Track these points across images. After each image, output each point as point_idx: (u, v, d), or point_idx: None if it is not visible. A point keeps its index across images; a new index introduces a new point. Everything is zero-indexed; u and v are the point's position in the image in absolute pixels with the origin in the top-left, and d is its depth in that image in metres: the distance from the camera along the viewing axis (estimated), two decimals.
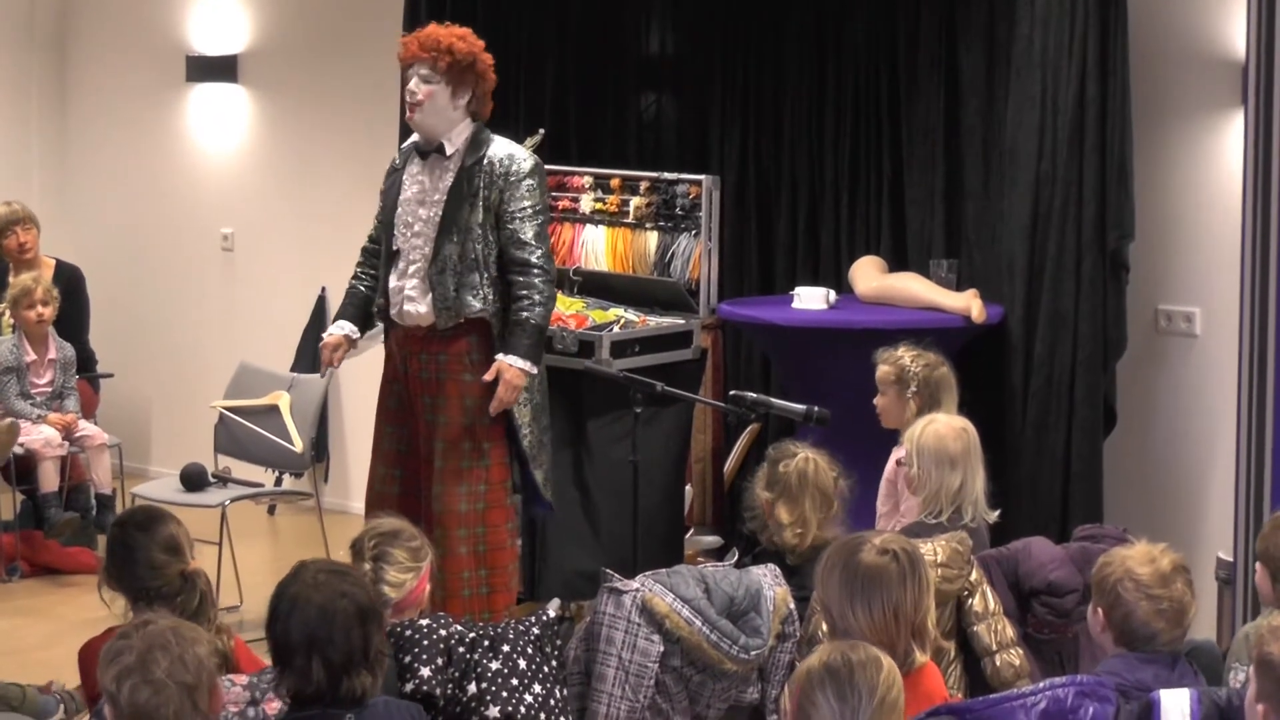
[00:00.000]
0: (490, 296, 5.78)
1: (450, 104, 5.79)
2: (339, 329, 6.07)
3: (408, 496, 5.91)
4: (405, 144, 6.05)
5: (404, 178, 5.90)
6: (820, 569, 4.02)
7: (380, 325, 6.11)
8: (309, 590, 3.62)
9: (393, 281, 5.88)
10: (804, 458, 5.08)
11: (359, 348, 6.24)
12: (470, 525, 5.80)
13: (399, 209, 5.87)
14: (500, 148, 5.84)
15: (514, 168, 5.78)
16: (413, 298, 5.82)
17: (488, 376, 5.73)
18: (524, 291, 5.74)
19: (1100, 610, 4.03)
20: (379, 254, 6.02)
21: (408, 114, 5.84)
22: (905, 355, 5.72)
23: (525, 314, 5.73)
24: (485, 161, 5.77)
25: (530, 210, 5.77)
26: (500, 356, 5.73)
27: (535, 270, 5.74)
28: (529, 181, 5.79)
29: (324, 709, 3.59)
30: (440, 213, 5.77)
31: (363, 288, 6.09)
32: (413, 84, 5.75)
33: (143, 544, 4.28)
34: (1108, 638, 4.02)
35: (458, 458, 5.79)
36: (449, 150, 5.80)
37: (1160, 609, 3.95)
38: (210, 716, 3.43)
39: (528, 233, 5.75)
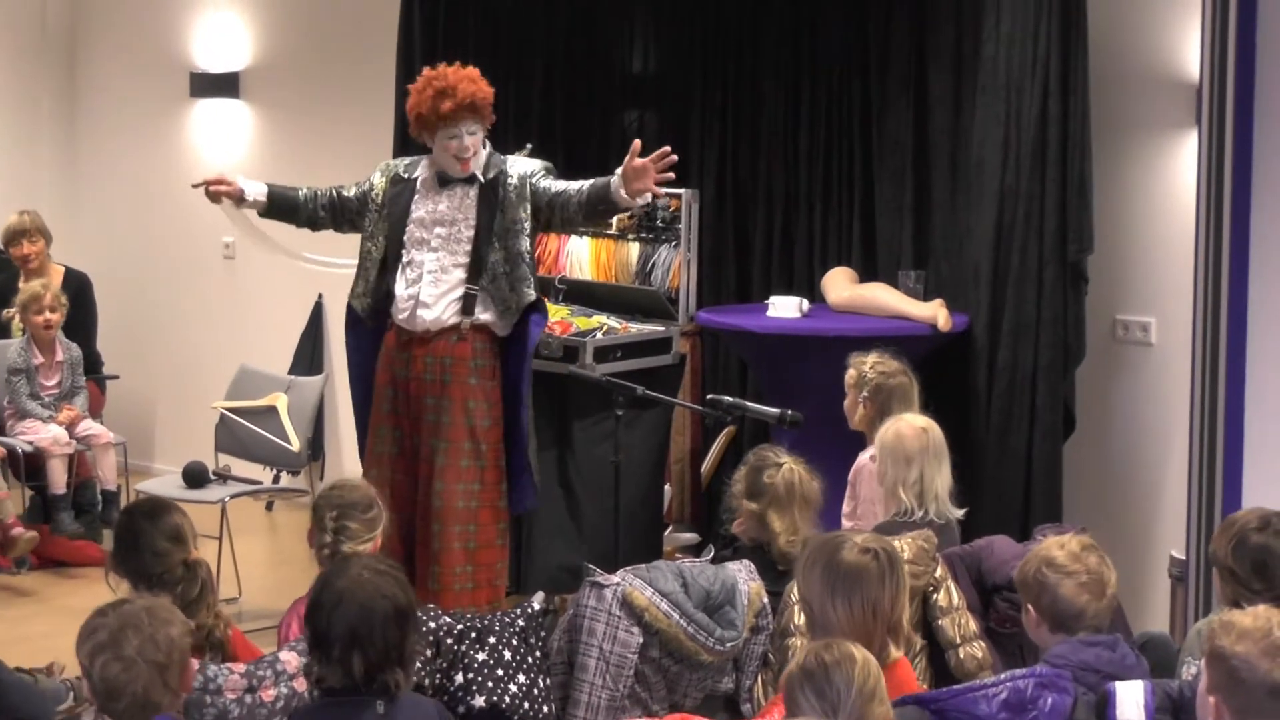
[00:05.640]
0: (534, 283, 5.94)
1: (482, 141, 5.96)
2: (248, 184, 6.15)
3: (399, 498, 5.92)
4: (416, 161, 6.07)
5: (415, 195, 5.97)
6: (801, 565, 4.06)
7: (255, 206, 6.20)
8: (354, 587, 3.67)
9: (400, 289, 5.91)
10: (789, 468, 5.09)
11: (240, 207, 6.24)
12: (464, 522, 5.85)
13: (409, 226, 5.94)
14: (510, 159, 6.00)
15: (527, 168, 5.92)
16: (426, 304, 5.87)
17: (640, 200, 5.88)
18: (570, 184, 5.91)
19: (1030, 607, 4.06)
20: (339, 206, 6.15)
21: (460, 167, 5.86)
22: (868, 361, 5.76)
23: (582, 182, 5.91)
24: (503, 174, 5.90)
25: (550, 174, 5.95)
26: (613, 183, 5.80)
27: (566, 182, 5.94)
28: (544, 164, 5.98)
29: (357, 696, 3.65)
30: (473, 229, 5.87)
31: (302, 194, 6.17)
32: (466, 141, 5.82)
33: (148, 532, 4.34)
34: (1044, 631, 4.04)
35: (458, 457, 5.84)
36: (481, 177, 5.91)
37: (1081, 583, 3.98)
38: (181, 693, 3.54)
39: (554, 184, 5.90)
